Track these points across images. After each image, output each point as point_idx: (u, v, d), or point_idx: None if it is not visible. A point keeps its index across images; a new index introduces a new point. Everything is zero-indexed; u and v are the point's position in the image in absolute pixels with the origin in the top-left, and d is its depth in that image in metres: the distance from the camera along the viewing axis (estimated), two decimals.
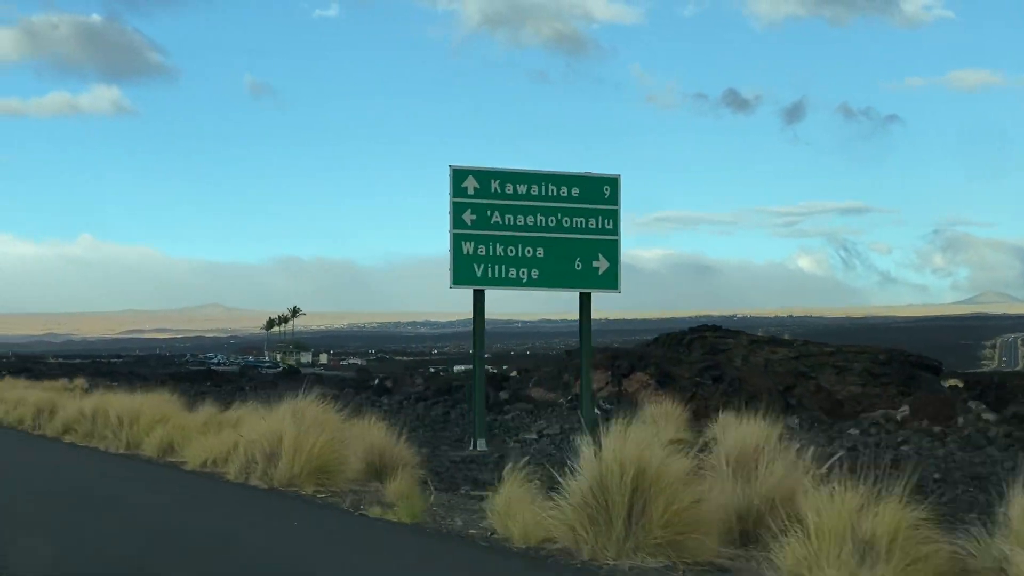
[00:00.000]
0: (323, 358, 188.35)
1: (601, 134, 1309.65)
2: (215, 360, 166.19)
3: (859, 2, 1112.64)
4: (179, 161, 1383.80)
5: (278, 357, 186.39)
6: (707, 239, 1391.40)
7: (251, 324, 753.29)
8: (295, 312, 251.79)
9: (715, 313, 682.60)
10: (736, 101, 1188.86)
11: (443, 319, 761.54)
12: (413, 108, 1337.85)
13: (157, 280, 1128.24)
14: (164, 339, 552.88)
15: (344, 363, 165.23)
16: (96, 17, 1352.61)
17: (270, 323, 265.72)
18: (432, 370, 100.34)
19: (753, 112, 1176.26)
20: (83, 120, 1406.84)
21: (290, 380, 74.08)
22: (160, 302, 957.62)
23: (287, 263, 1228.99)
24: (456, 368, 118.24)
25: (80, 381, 52.21)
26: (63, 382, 52.07)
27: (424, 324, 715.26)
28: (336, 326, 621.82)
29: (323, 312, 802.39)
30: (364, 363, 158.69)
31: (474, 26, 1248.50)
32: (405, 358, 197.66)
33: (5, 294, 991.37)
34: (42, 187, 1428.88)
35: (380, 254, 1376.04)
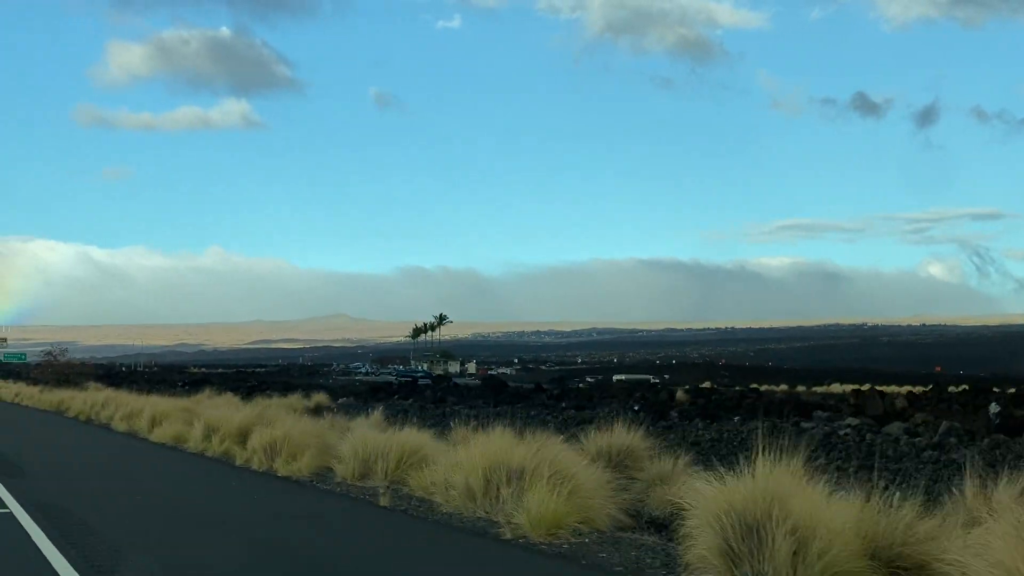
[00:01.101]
0: (471, 367, 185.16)
1: (726, 141, 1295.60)
2: (362, 370, 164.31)
3: (994, 3, 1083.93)
4: (306, 173, 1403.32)
5: (424, 366, 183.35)
6: (833, 247, 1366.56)
7: (376, 334, 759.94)
8: (441, 320, 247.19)
9: (844, 322, 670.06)
10: (865, 105, 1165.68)
11: (567, 328, 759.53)
12: (534, 117, 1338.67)
13: (284, 291, 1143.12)
14: (293, 349, 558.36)
15: (492, 372, 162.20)
16: (225, 31, 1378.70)
17: (416, 332, 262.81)
18: (590, 380, 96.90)
19: (883, 116, 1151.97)
20: (213, 133, 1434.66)
21: (489, 392, 71.92)
22: (287, 312, 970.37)
23: (412, 273, 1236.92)
24: (616, 377, 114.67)
25: (321, 397, 50.33)
26: (280, 398, 45.96)
27: (548, 333, 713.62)
28: (461, 336, 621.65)
29: (450, 322, 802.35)
30: (512, 372, 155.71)
31: (597, 33, 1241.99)
32: (548, 367, 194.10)
33: (138, 305, 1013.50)
34: (173, 200, 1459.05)
35: (502, 263, 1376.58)
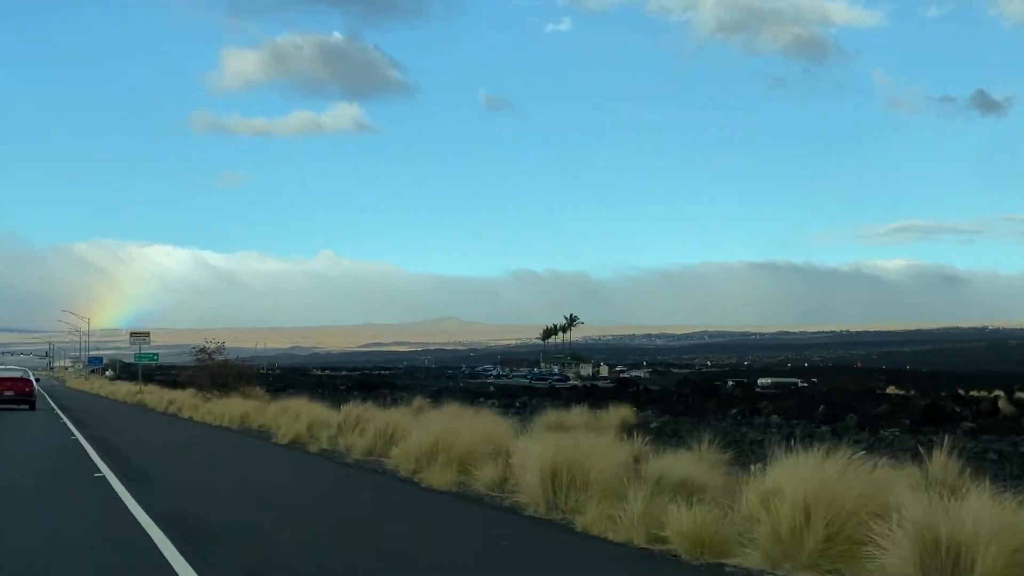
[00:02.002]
0: (604, 370, 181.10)
1: (840, 141, 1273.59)
2: (493, 372, 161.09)
3: None
4: (416, 177, 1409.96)
5: (555, 369, 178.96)
6: (951, 248, 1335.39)
7: (486, 337, 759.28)
8: (572, 321, 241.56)
9: (964, 325, 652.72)
10: (985, 103, 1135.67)
11: (676, 331, 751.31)
12: (644, 119, 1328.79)
13: (395, 294, 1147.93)
14: (404, 352, 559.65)
15: (624, 376, 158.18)
16: (337, 36, 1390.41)
17: (546, 333, 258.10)
18: (729, 383, 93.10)
19: (1004, 114, 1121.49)
20: (325, 138, 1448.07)
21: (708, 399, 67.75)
22: (397, 316, 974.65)
23: (521, 276, 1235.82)
24: (760, 381, 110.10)
25: (625, 411, 39.78)
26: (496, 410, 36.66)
27: (659, 336, 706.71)
28: (572, 339, 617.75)
29: (556, 324, 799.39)
30: (644, 375, 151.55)
31: (708, 34, 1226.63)
32: (679, 370, 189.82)
33: (253, 309, 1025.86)
34: (285, 205, 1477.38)
35: (612, 266, 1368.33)
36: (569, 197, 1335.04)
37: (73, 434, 35.52)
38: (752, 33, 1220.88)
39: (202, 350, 60.50)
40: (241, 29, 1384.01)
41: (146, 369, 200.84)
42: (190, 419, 49.55)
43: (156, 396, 69.83)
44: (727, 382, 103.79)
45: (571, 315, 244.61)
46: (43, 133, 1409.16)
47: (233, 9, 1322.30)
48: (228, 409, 44.31)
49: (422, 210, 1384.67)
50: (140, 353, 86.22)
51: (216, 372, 57.77)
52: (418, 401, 37.68)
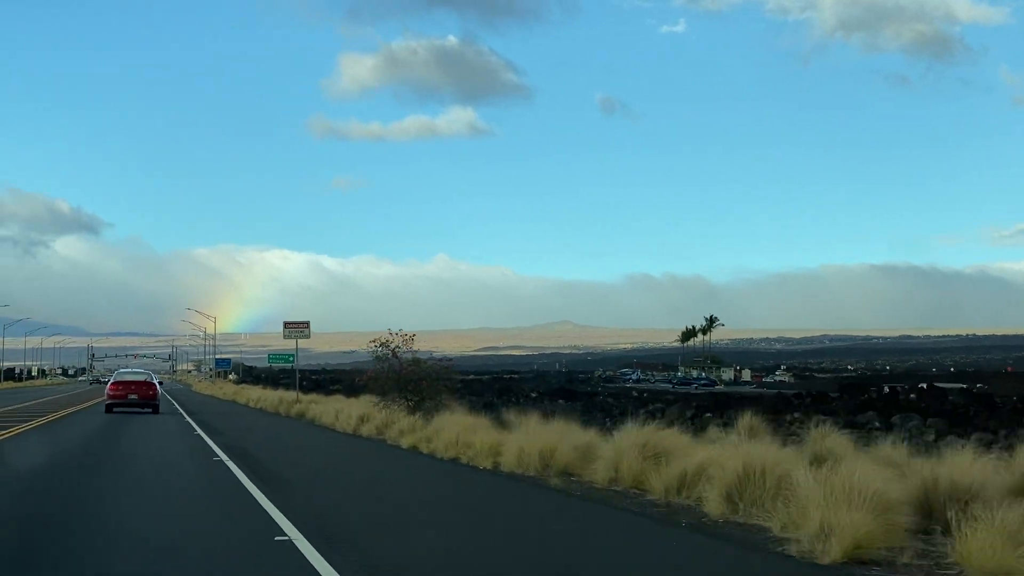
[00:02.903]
0: (746, 374, 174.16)
1: (965, 140, 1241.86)
2: (632, 376, 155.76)
3: None
4: (532, 180, 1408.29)
5: (695, 373, 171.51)
6: None
7: (603, 341, 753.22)
8: (711, 323, 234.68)
9: None
10: None
11: (796, 335, 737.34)
12: (762, 120, 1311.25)
13: (509, 298, 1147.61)
14: (520, 356, 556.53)
15: (767, 379, 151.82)
16: (452, 39, 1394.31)
17: (685, 335, 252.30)
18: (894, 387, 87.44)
19: None
20: (440, 142, 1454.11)
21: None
22: (512, 320, 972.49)
23: (637, 280, 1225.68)
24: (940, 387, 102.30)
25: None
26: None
27: (778, 340, 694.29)
28: (690, 343, 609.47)
29: (676, 329, 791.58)
30: (787, 379, 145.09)
31: (828, 32, 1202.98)
32: (824, 375, 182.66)
33: (369, 313, 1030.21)
34: (401, 209, 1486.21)
35: (730, 270, 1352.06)
36: (686, 200, 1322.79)
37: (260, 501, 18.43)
38: (874, 31, 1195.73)
39: (384, 344, 40.75)
40: (358, 34, 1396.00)
41: (267, 372, 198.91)
42: (413, 450, 31.04)
43: (326, 408, 51.12)
44: (883, 388, 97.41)
45: (711, 316, 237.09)
46: (164, 140, 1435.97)
47: (351, 15, 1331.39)
48: (467, 436, 27.60)
49: (537, 214, 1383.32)
50: (275, 354, 79.96)
51: (406, 375, 39.37)
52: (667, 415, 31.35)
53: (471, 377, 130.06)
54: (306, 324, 66.70)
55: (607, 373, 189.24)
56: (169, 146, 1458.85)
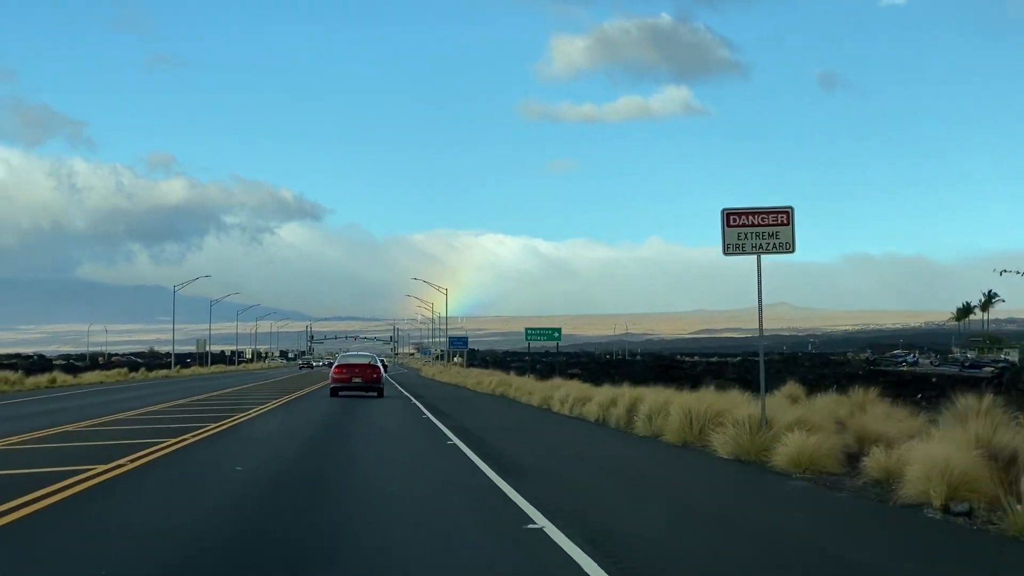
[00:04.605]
0: None
1: None
2: (907, 359, 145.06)
3: None
4: (747, 158, 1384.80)
5: (969, 355, 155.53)
6: None
7: (822, 323, 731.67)
8: (990, 298, 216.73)
9: None
10: None
11: None
12: (985, 93, 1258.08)
13: (724, 280, 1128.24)
14: (739, 338, 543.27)
15: None
16: (666, 17, 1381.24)
17: (961, 312, 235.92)
18: None
19: None
20: (653, 122, 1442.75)
21: None
22: (727, 302, 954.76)
23: (856, 260, 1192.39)
24: None
25: None
26: None
27: (1008, 320, 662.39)
28: (911, 324, 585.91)
29: (896, 310, 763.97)
30: None
31: None
32: None
33: (583, 296, 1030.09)
34: (614, 191, 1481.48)
35: (956, 249, 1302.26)
36: (908, 176, 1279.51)
37: None
38: None
39: None
40: (569, 15, 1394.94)
41: (491, 356, 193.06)
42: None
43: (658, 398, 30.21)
44: None
45: (989, 292, 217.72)
46: (380, 129, 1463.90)
47: None
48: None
49: (752, 193, 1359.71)
50: (535, 330, 71.19)
51: None
52: None
53: (714, 359, 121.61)
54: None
55: (872, 356, 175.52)
56: (384, 134, 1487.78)
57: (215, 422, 31.77)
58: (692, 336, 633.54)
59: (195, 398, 51.62)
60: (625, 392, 34.48)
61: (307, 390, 63.42)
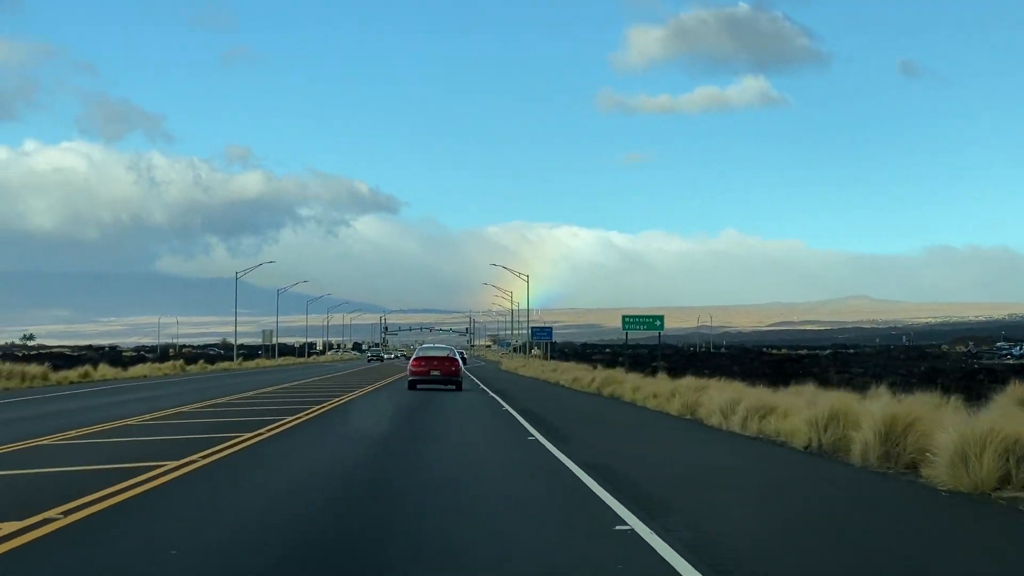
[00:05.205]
0: None
1: None
2: (1014, 351, 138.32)
3: None
4: (826, 151, 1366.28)
5: None
6: None
7: (903, 315, 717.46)
8: None
9: None
10: None
11: None
12: None
13: (802, 272, 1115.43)
14: (819, 331, 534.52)
15: None
16: (744, 7, 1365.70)
17: None
18: None
19: None
20: (730, 113, 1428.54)
21: None
22: (805, 294, 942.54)
23: (938, 252, 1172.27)
24: None
25: None
26: None
27: None
28: (995, 316, 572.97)
29: (979, 303, 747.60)
30: None
31: None
32: None
33: (658, 288, 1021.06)
34: (689, 183, 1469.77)
35: None
36: (993, 165, 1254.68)
37: None
38: None
39: None
40: (645, 5, 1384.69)
41: (568, 348, 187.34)
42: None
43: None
44: None
45: None
46: (454, 121, 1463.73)
47: None
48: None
49: (831, 185, 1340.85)
50: (634, 317, 64.84)
51: None
52: None
53: (801, 351, 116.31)
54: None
55: (973, 348, 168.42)
56: (459, 127, 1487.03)
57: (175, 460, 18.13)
58: (769, 328, 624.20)
59: (217, 400, 40.47)
60: (832, 399, 24.33)
61: (362, 390, 51.57)
